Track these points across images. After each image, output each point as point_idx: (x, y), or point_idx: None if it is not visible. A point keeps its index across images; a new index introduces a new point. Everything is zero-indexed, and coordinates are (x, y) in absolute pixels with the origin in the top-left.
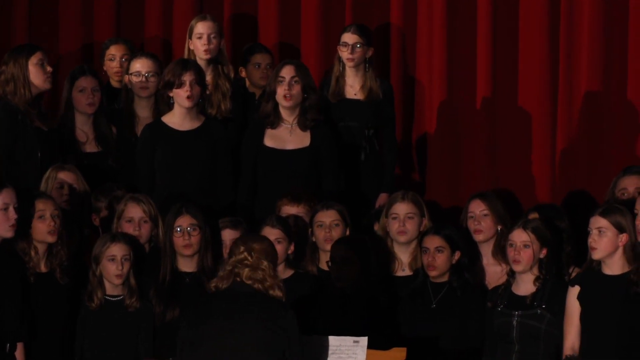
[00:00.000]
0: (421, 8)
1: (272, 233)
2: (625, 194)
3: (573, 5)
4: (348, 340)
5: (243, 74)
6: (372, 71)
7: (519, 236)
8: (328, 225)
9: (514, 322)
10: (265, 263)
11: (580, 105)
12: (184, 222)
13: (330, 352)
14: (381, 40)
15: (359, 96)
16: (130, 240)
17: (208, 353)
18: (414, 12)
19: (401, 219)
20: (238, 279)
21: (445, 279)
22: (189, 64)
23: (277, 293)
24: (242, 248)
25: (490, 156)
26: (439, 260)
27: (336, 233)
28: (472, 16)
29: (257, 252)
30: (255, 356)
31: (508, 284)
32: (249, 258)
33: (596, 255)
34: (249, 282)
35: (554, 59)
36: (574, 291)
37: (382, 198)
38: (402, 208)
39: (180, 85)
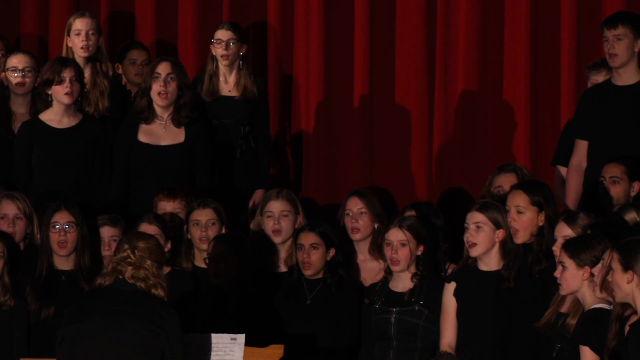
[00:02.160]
0: (298, 6)
1: (149, 230)
2: (501, 191)
3: (449, 4)
4: (225, 337)
5: (119, 70)
6: (246, 68)
7: (396, 235)
8: (204, 224)
9: (392, 319)
10: (148, 262)
11: (457, 104)
12: (61, 219)
13: (207, 349)
14: (258, 38)
15: (234, 93)
16: (3, 238)
17: (85, 350)
18: (290, 10)
19: (276, 216)
20: (120, 276)
21: (320, 275)
22: (68, 61)
23: (160, 292)
24: (125, 246)
25: (367, 154)
26: (314, 257)
27: (212, 232)
28: (349, 14)
29: (141, 250)
30: (131, 355)
31: (385, 280)
32: (132, 256)
33: (474, 252)
34: (132, 280)
35: (431, 57)
36: (449, 287)
37: (258, 195)
38: (276, 206)
39: (60, 82)
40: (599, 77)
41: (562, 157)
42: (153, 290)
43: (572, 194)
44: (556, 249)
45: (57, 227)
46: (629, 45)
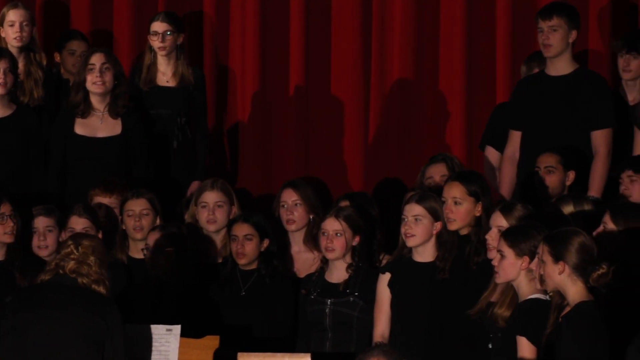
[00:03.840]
0: None
1: (79, 222)
2: (432, 182)
3: None
4: (161, 328)
5: (57, 59)
6: (184, 58)
7: (331, 225)
8: (138, 214)
9: (327, 310)
10: (92, 258)
11: (392, 94)
12: None
13: (143, 340)
14: (194, 28)
15: (171, 83)
16: None
17: (28, 340)
18: (226, 0)
19: (210, 207)
20: (62, 271)
21: (254, 266)
22: (2, 51)
23: (101, 289)
24: (69, 242)
25: (303, 144)
26: (248, 248)
27: (146, 222)
28: (285, 5)
29: (85, 247)
30: (75, 344)
31: (322, 271)
32: (75, 252)
33: (411, 242)
34: (73, 275)
35: (366, 48)
36: (384, 278)
37: (194, 186)
38: (211, 196)
39: None
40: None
41: (488, 139)
42: (94, 286)
43: (507, 185)
44: (489, 237)
45: None
46: (564, 36)
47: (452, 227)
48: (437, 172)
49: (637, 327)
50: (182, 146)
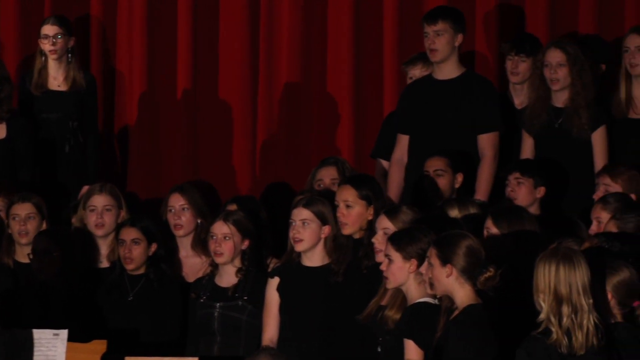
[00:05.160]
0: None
1: None
2: (322, 185)
3: None
4: (48, 333)
5: None
6: (75, 62)
7: (220, 228)
8: (23, 218)
9: (216, 314)
10: None
11: (280, 98)
12: None
13: (29, 345)
14: (81, 31)
15: (63, 87)
16: None
17: None
18: (114, 3)
19: (99, 211)
20: None
21: (142, 271)
22: None
23: None
24: None
25: (191, 148)
26: (135, 252)
27: (31, 226)
28: (173, 7)
29: None
30: None
31: (211, 275)
32: None
33: (300, 247)
34: None
35: (254, 51)
36: (273, 283)
37: (85, 190)
38: (99, 200)
39: None
40: (415, 72)
41: (381, 150)
42: None
43: (395, 188)
44: (375, 241)
45: None
46: (449, 40)
47: (346, 231)
48: (327, 175)
49: (525, 330)
50: (74, 150)
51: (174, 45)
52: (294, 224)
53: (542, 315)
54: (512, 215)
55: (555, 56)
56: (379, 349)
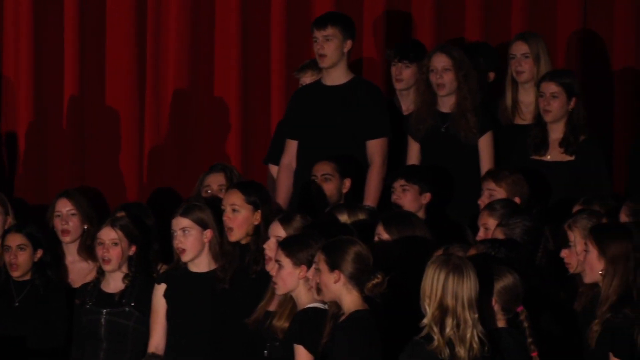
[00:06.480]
0: (7, 3)
1: None
2: (210, 191)
3: (160, 5)
4: None
5: None
6: None
7: (108, 234)
8: None
9: (102, 320)
10: None
11: (168, 104)
12: None
13: None
14: None
15: None
16: None
17: None
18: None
19: None
20: None
21: (28, 277)
22: None
23: None
24: None
25: (78, 154)
26: (21, 258)
27: None
28: (59, 13)
29: None
30: None
31: (97, 281)
32: None
33: (185, 257)
34: None
35: (141, 57)
36: (160, 289)
37: None
38: None
39: None
40: (306, 79)
41: (273, 156)
42: None
43: (283, 194)
44: (267, 247)
45: None
46: (338, 45)
47: (232, 237)
48: (215, 182)
49: (413, 336)
50: None
51: (60, 50)
52: (175, 233)
53: (425, 321)
54: (402, 221)
55: (440, 61)
56: (265, 353)
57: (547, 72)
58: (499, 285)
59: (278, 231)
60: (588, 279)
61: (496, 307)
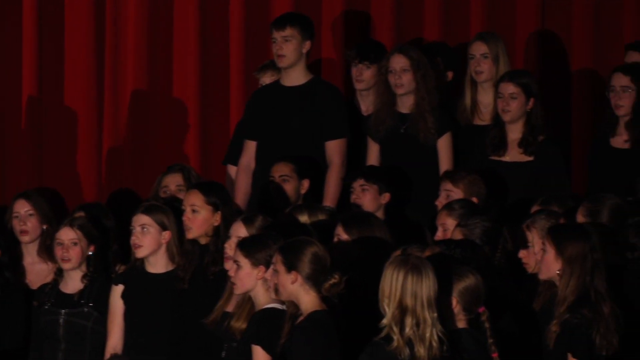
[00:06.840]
0: None
1: None
2: (168, 191)
3: (118, 5)
4: None
5: None
6: None
7: (67, 234)
8: None
9: (60, 320)
10: None
11: (127, 105)
12: None
13: None
14: None
15: None
16: None
17: None
18: None
19: None
20: None
21: None
22: None
23: None
24: None
25: (36, 155)
26: None
27: None
28: (18, 14)
29: None
30: None
31: (56, 282)
32: None
33: (140, 253)
34: None
35: (100, 58)
36: (117, 290)
37: None
38: None
39: None
40: (265, 79)
41: (233, 157)
42: None
43: (241, 194)
44: (227, 246)
45: None
46: (297, 46)
47: (190, 234)
48: (173, 182)
49: (371, 336)
50: None
51: (19, 51)
52: (133, 230)
53: (385, 321)
54: (362, 222)
55: (398, 61)
56: (223, 354)
57: (505, 73)
58: (460, 286)
59: (240, 231)
60: (543, 275)
61: (457, 307)
